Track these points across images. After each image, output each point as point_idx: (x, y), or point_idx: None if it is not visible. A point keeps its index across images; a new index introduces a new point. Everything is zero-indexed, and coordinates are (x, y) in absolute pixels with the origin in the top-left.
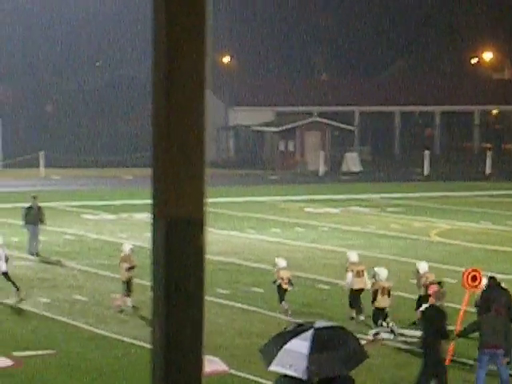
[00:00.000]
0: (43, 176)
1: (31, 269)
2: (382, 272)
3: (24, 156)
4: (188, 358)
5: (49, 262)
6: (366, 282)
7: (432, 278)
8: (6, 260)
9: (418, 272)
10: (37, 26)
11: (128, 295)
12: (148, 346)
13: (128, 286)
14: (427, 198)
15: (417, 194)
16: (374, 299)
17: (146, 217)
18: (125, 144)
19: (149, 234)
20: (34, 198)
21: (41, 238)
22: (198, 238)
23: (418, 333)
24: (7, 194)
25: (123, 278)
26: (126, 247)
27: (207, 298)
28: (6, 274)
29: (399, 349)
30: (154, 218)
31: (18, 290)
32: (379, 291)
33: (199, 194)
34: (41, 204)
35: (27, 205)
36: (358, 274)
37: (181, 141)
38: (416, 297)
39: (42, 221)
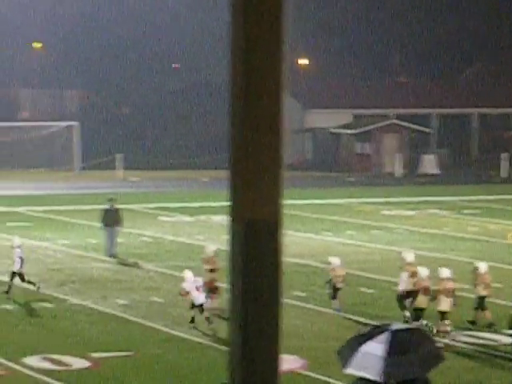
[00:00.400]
0: (121, 178)
1: (109, 270)
2: (422, 271)
3: (102, 158)
4: (265, 359)
5: (126, 264)
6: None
7: (490, 279)
8: (22, 261)
9: (476, 272)
10: (114, 29)
11: (211, 297)
12: (225, 347)
13: (210, 288)
14: (505, 200)
15: (494, 197)
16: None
17: (223, 219)
18: (202, 146)
19: (226, 237)
20: (112, 200)
21: (118, 239)
22: (275, 239)
23: (494, 336)
24: (85, 196)
25: (205, 280)
26: (209, 249)
27: (283, 299)
28: (20, 275)
29: (473, 352)
30: (232, 220)
31: (34, 285)
32: (420, 291)
33: (276, 196)
34: (119, 206)
35: (105, 207)
36: (413, 275)
37: (258, 143)
38: (473, 297)
39: (119, 223)
